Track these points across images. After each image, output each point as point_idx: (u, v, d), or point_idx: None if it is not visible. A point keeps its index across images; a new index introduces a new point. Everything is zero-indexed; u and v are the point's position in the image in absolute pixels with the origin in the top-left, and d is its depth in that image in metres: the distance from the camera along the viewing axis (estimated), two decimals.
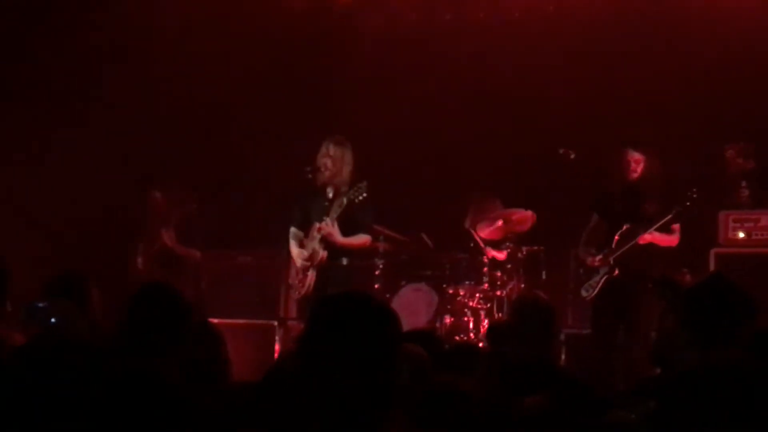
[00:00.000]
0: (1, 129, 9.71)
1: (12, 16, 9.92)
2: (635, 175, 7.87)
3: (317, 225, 7.67)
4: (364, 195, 7.50)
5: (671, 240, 7.84)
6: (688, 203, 7.60)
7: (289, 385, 3.57)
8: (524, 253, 9.18)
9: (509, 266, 9.18)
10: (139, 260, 9.18)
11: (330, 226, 7.57)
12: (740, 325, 3.80)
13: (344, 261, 7.72)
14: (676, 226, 7.81)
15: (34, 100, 9.87)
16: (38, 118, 9.79)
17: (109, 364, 1.51)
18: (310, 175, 7.73)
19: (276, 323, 9.26)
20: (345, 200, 7.53)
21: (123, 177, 9.77)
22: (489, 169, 9.80)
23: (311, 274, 7.71)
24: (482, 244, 9.16)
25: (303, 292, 7.77)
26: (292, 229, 7.91)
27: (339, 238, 7.61)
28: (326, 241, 7.64)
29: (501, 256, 9.16)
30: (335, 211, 7.58)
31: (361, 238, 7.78)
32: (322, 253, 7.67)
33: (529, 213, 9.07)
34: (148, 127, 10.19)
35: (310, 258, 7.73)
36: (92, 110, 9.88)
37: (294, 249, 7.88)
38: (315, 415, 2.56)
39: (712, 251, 8.64)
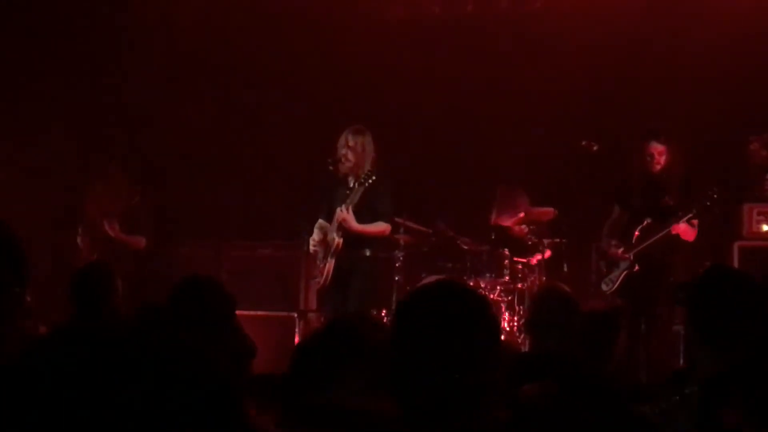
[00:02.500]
0: None
1: None
2: (658, 167, 7.81)
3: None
4: (373, 178, 7.49)
5: (690, 234, 7.79)
6: (708, 203, 7.54)
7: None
8: (545, 245, 9.13)
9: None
10: (80, 244, 9.11)
11: (345, 212, 7.56)
12: (754, 317, 3.68)
13: (367, 252, 7.70)
14: (695, 221, 7.76)
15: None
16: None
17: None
18: (331, 167, 7.72)
19: (296, 315, 9.26)
20: (357, 187, 7.54)
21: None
22: (511, 161, 9.76)
23: (330, 263, 7.68)
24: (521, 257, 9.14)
25: (321, 281, 7.76)
26: (320, 221, 7.89)
27: (354, 224, 7.59)
28: (343, 229, 7.63)
29: (534, 260, 9.13)
30: (352, 199, 7.57)
31: (379, 226, 7.74)
32: (338, 240, 7.64)
33: (550, 208, 9.05)
34: (171, 118, 10.23)
35: (325, 244, 7.72)
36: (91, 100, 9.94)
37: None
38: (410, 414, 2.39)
39: (736, 244, 8.57)
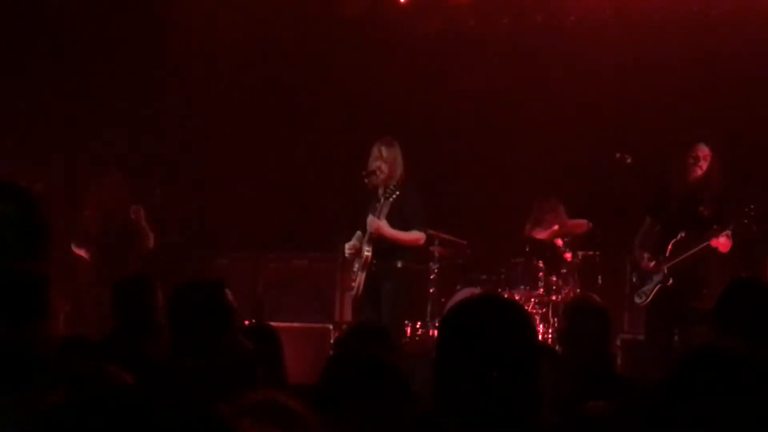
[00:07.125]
0: None
1: None
2: (699, 172, 7.70)
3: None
4: (397, 194, 7.56)
5: (726, 245, 7.75)
6: (746, 220, 7.52)
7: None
8: (580, 257, 9.14)
9: (564, 271, 9.14)
10: (83, 254, 8.86)
11: (377, 220, 7.63)
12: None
13: (399, 263, 7.75)
14: (730, 233, 7.72)
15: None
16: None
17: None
18: (366, 179, 7.78)
19: (332, 326, 9.31)
20: (384, 200, 7.63)
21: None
22: (545, 174, 9.78)
23: (361, 276, 7.75)
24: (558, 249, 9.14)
25: (354, 292, 7.85)
26: (358, 233, 7.95)
27: (387, 230, 7.66)
28: (373, 241, 7.69)
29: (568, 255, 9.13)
30: (381, 210, 7.64)
31: (412, 234, 7.79)
32: (367, 254, 7.70)
33: (584, 221, 9.05)
34: (208, 131, 10.35)
35: (357, 253, 7.78)
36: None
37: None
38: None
39: None
